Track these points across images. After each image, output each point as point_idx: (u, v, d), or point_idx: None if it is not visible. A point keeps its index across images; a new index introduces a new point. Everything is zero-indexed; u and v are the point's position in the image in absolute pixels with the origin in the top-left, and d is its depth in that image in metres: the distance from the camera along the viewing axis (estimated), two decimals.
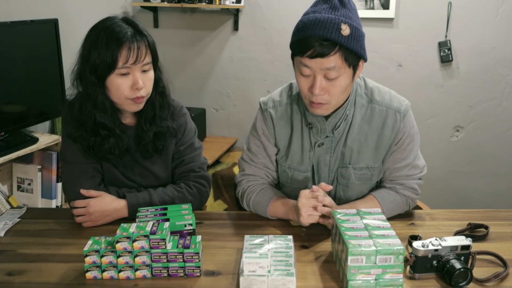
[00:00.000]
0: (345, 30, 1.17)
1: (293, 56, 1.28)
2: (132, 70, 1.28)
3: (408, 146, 1.38)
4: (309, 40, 1.18)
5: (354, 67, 1.24)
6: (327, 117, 1.35)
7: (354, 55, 1.21)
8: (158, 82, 1.39)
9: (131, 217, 1.35)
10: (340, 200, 1.44)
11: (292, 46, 1.26)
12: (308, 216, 1.24)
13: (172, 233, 1.16)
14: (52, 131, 2.55)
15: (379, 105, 1.36)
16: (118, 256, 1.08)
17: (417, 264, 1.08)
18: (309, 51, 1.19)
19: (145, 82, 1.31)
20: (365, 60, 1.28)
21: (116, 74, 1.27)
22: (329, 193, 1.45)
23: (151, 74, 1.34)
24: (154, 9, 3.32)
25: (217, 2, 3.03)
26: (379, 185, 1.47)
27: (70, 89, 1.36)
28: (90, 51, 1.27)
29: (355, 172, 1.39)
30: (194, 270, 1.10)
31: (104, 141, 1.34)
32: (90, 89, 1.30)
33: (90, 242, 1.11)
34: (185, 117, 1.50)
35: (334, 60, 1.19)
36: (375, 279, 1.02)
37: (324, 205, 1.25)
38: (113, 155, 1.37)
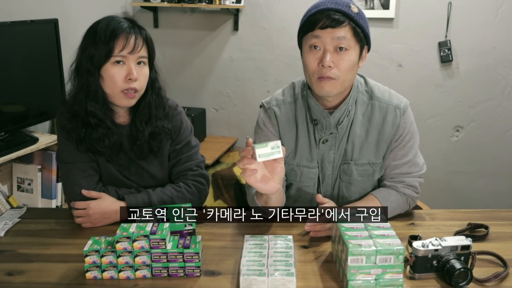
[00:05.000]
0: (354, 8, 1.27)
1: (301, 39, 1.32)
2: (128, 60, 1.29)
3: (408, 143, 1.39)
4: (322, 12, 1.25)
5: (361, 48, 1.30)
6: (331, 112, 1.36)
7: (362, 34, 1.28)
8: (154, 83, 1.40)
9: None
10: (343, 197, 1.45)
11: (302, 26, 1.30)
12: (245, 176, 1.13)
13: (172, 233, 1.16)
14: (52, 131, 2.55)
15: (379, 101, 1.39)
16: (118, 256, 1.08)
17: (417, 264, 1.08)
18: (321, 22, 1.24)
19: (139, 75, 1.32)
20: (369, 47, 1.34)
21: (111, 62, 1.28)
22: (332, 191, 1.45)
23: (146, 70, 1.35)
24: (154, 9, 3.32)
25: (217, 2, 3.03)
26: (379, 184, 1.47)
27: (68, 86, 1.37)
28: (87, 44, 1.29)
29: (357, 168, 1.40)
30: (194, 270, 1.10)
31: (93, 130, 1.34)
32: (84, 79, 1.31)
33: (90, 242, 1.11)
34: (180, 115, 1.49)
35: (345, 32, 1.25)
36: (375, 279, 1.02)
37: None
38: (106, 148, 1.36)
